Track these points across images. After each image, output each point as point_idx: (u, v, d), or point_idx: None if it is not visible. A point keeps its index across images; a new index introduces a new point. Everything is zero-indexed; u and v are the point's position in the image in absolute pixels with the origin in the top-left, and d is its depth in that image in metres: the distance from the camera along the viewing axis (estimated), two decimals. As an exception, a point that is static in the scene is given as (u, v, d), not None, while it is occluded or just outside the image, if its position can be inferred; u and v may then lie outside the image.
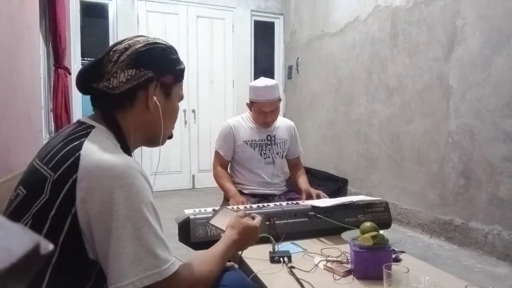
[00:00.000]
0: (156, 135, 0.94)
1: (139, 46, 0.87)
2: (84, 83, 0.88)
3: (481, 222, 2.55)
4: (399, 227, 3.15)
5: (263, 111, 2.06)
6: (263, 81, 2.07)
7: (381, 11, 3.44)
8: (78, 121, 0.87)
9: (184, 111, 4.76)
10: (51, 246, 0.29)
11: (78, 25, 4.22)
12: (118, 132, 0.87)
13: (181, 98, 0.99)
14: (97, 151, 0.76)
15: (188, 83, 4.75)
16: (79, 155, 0.74)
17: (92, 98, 0.90)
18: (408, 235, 2.97)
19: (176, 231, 1.39)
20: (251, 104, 2.12)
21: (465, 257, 2.52)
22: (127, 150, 0.89)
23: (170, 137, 1.02)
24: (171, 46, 0.95)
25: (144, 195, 0.75)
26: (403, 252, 1.37)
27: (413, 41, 3.10)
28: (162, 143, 0.98)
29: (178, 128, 4.71)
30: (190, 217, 1.37)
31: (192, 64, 4.76)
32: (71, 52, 3.84)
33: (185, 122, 4.78)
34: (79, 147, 0.76)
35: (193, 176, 4.85)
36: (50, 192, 0.73)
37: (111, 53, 0.86)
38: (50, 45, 3.26)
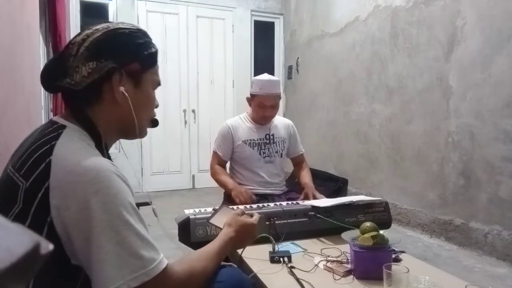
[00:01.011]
0: (130, 127, 0.88)
1: (98, 35, 0.81)
2: (48, 81, 0.83)
3: (481, 222, 2.55)
4: (399, 227, 3.15)
5: (264, 104, 2.07)
6: (267, 75, 2.13)
7: (381, 11, 3.44)
8: (50, 121, 0.83)
9: (184, 111, 4.76)
10: (51, 246, 0.29)
11: (78, 25, 4.22)
12: (91, 129, 0.82)
13: (157, 84, 0.92)
14: (69, 155, 0.72)
15: (188, 83, 4.76)
16: (49, 161, 0.71)
17: (62, 96, 0.86)
18: (408, 235, 2.97)
19: (176, 231, 1.39)
20: (252, 98, 2.12)
21: (465, 257, 2.52)
22: (103, 146, 0.84)
23: (155, 125, 0.96)
24: (138, 29, 0.87)
25: (123, 197, 0.72)
26: (403, 252, 1.37)
27: (413, 41, 3.10)
28: (140, 135, 0.92)
29: (178, 128, 4.72)
30: (190, 217, 1.38)
31: (192, 64, 4.76)
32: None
33: (185, 122, 4.78)
34: (49, 152, 0.72)
35: (193, 176, 4.85)
36: (23, 201, 0.70)
37: (70, 46, 0.81)
38: (50, 45, 3.26)
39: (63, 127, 0.79)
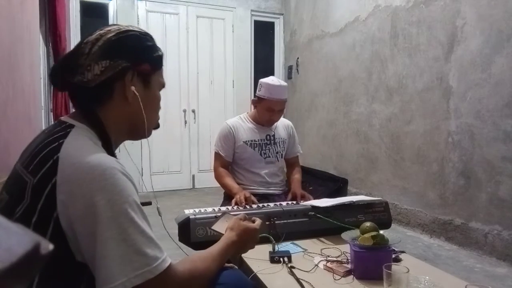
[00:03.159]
0: (139, 127, 0.91)
1: (111, 35, 0.83)
2: (58, 79, 0.85)
3: (481, 222, 2.55)
4: (399, 227, 3.15)
5: (272, 109, 2.06)
6: (277, 80, 2.08)
7: (381, 11, 3.44)
8: (59, 121, 0.85)
9: (184, 111, 4.76)
10: (51, 246, 0.29)
11: (78, 25, 4.22)
12: (99, 129, 0.83)
13: (162, 86, 0.95)
14: (76, 153, 0.73)
15: (188, 83, 4.76)
16: (57, 158, 0.72)
17: (70, 94, 0.87)
18: (408, 235, 2.97)
19: (176, 231, 1.39)
20: (259, 101, 2.10)
21: (465, 257, 2.52)
22: (111, 146, 0.86)
23: (157, 127, 0.99)
24: (146, 33, 0.91)
25: (127, 194, 0.73)
26: (403, 252, 1.37)
27: (413, 41, 3.10)
28: (148, 135, 0.94)
29: (178, 128, 4.71)
30: (190, 217, 1.38)
31: (192, 64, 4.76)
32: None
33: (185, 122, 4.78)
34: (57, 150, 0.74)
35: (193, 176, 4.85)
36: (30, 197, 0.72)
37: (83, 45, 0.82)
38: (50, 45, 3.26)
39: (71, 126, 0.80)
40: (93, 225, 0.69)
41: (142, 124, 0.89)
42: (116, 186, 0.72)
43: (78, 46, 0.83)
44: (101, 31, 0.84)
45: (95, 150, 0.77)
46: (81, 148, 0.75)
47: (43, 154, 0.74)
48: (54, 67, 0.86)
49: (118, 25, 0.88)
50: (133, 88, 0.85)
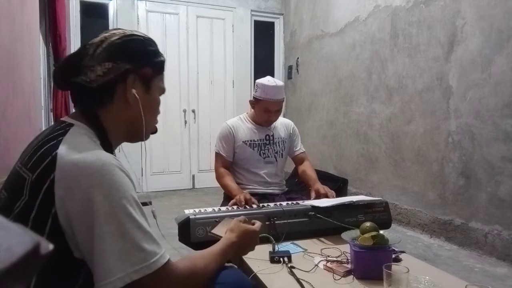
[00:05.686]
0: (138, 130, 0.91)
1: (115, 38, 0.85)
2: (61, 78, 0.87)
3: (481, 222, 2.55)
4: (399, 227, 3.15)
5: (269, 109, 2.06)
6: (273, 80, 2.07)
7: (381, 11, 3.44)
8: (58, 121, 0.86)
9: (184, 111, 4.76)
10: (51, 246, 0.29)
11: (78, 25, 4.22)
12: (99, 128, 0.85)
13: (163, 91, 0.97)
14: (74, 150, 0.74)
15: (188, 83, 4.76)
16: (55, 155, 0.73)
17: (72, 94, 0.89)
18: (408, 235, 2.97)
19: (176, 231, 1.39)
20: (256, 102, 2.10)
21: (465, 257, 2.52)
22: (109, 146, 0.86)
23: (154, 131, 1.00)
24: (150, 38, 0.93)
25: (125, 190, 0.74)
26: (403, 252, 1.37)
27: (413, 41, 3.10)
28: (146, 138, 0.95)
29: (178, 128, 4.71)
30: (190, 217, 1.38)
31: (192, 64, 4.76)
32: (71, 52, 3.84)
33: (185, 122, 4.78)
34: (56, 147, 0.75)
35: (193, 176, 4.85)
36: (29, 193, 0.72)
37: (87, 46, 0.85)
38: (50, 45, 3.26)
39: (71, 125, 0.82)
40: (90, 220, 0.70)
41: (140, 128, 0.90)
42: (113, 181, 0.73)
43: (83, 47, 0.85)
44: (106, 34, 0.86)
45: (93, 147, 0.78)
46: (79, 145, 0.76)
47: (42, 151, 0.75)
48: (58, 66, 0.87)
49: (123, 29, 0.90)
50: (134, 91, 0.86)
